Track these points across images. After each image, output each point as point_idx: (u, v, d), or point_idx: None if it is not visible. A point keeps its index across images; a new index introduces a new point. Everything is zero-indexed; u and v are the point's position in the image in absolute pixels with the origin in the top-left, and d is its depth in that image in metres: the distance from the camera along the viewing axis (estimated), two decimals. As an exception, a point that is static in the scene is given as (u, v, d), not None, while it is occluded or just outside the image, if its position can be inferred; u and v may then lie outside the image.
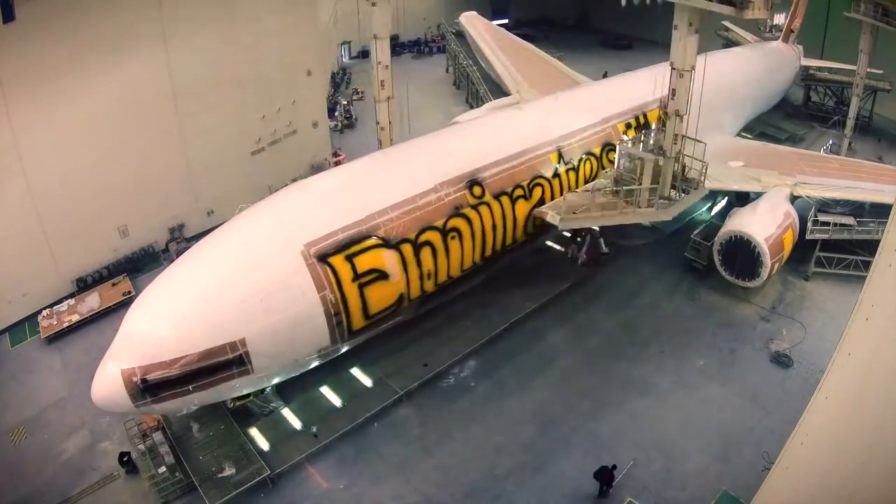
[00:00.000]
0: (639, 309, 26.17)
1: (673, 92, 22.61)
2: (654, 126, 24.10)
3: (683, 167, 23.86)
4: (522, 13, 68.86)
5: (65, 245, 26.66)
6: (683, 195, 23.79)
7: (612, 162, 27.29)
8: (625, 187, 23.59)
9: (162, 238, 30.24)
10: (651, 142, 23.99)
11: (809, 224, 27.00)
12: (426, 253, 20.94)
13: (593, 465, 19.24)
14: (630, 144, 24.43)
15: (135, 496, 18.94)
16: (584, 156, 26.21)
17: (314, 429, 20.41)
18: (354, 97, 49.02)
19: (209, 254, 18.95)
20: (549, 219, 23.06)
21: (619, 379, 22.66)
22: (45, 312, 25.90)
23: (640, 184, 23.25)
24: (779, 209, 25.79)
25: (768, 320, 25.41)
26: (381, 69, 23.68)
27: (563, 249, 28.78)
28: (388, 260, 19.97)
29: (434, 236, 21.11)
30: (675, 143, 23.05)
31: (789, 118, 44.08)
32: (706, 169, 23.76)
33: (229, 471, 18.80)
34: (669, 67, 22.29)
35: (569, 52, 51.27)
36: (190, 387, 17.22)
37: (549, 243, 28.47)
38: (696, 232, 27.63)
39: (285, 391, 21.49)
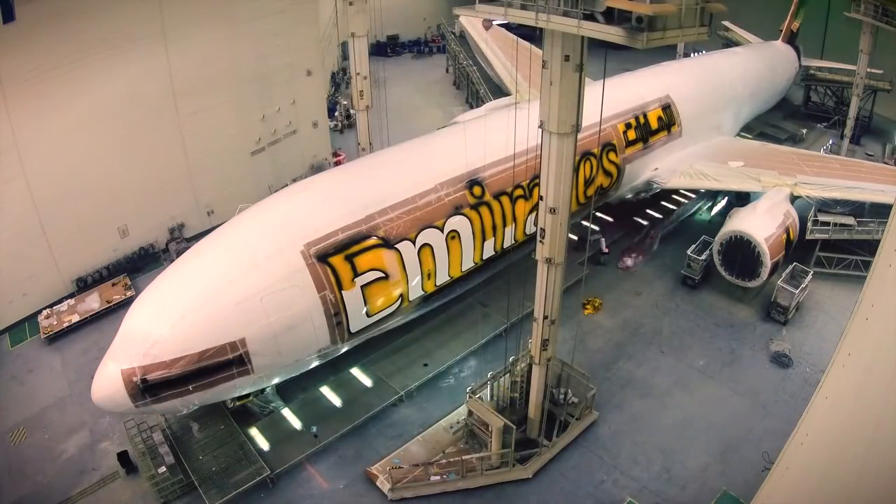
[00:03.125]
0: (639, 309, 26.16)
1: (542, 231, 16.23)
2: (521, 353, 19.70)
3: (565, 393, 19.94)
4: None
5: (65, 245, 26.67)
6: (559, 431, 19.65)
7: (612, 163, 27.36)
8: (465, 457, 18.83)
9: (162, 238, 30.23)
10: (517, 371, 19.50)
11: (809, 224, 27.00)
12: (426, 253, 20.92)
13: (593, 465, 19.31)
14: (488, 389, 19.78)
15: (135, 496, 18.94)
16: (584, 156, 26.17)
17: (314, 429, 20.41)
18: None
19: (209, 254, 18.94)
20: (378, 484, 18.73)
21: (619, 379, 22.66)
22: (45, 312, 25.90)
23: (490, 444, 18.86)
24: (779, 209, 25.79)
25: (768, 320, 25.39)
26: (360, 80, 23.41)
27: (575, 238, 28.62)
28: (387, 260, 19.95)
29: (434, 236, 21.09)
30: (546, 350, 17.82)
31: (789, 118, 44.07)
32: (594, 395, 19.92)
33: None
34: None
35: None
36: (190, 387, 17.22)
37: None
38: (691, 249, 27.25)
39: (285, 391, 21.49)
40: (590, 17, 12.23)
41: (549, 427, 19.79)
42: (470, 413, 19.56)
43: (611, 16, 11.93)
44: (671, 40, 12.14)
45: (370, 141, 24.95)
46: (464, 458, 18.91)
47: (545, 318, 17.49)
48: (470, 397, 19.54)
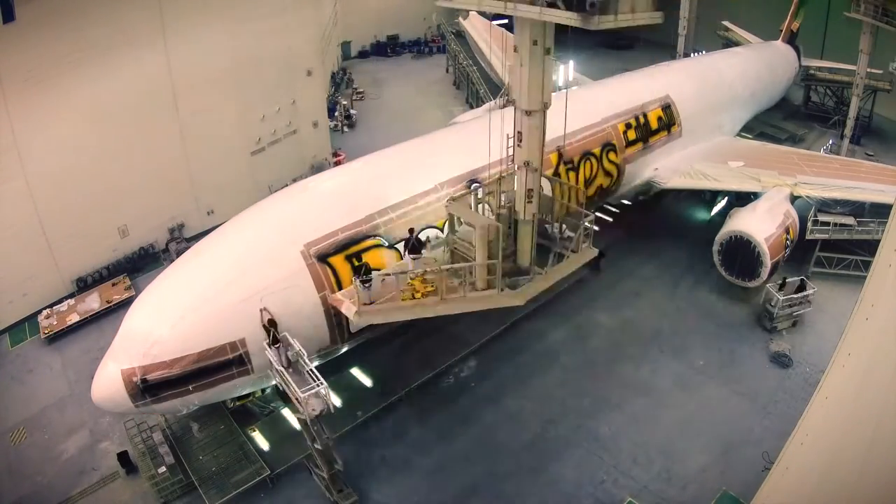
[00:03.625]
0: (639, 309, 26.17)
1: (519, 135, 16.17)
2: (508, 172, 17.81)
3: (561, 225, 18.37)
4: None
5: (65, 245, 26.68)
6: (556, 261, 17.79)
7: (612, 163, 27.36)
8: (450, 266, 17.08)
9: (162, 238, 30.23)
10: (503, 196, 17.78)
11: (809, 224, 26.99)
12: (426, 253, 20.88)
13: (593, 465, 19.32)
14: (471, 198, 17.88)
15: (135, 496, 18.95)
16: (583, 156, 26.18)
17: None
18: (355, 97, 49.03)
19: (209, 254, 18.95)
20: (343, 310, 17.43)
21: (619, 379, 22.67)
22: (45, 312, 25.91)
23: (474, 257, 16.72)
24: (779, 209, 25.78)
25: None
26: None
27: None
28: (388, 260, 19.94)
29: (434, 236, 21.05)
30: (530, 201, 16.65)
31: (789, 118, 44.06)
32: (590, 230, 18.04)
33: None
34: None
35: (568, 51, 51.19)
36: (190, 387, 17.23)
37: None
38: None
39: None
40: (552, 5, 13.55)
41: (540, 261, 17.55)
42: (451, 227, 17.24)
43: (570, 3, 13.23)
44: (623, 23, 13.15)
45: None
46: (443, 267, 16.19)
47: (527, 164, 16.14)
48: (450, 201, 17.47)
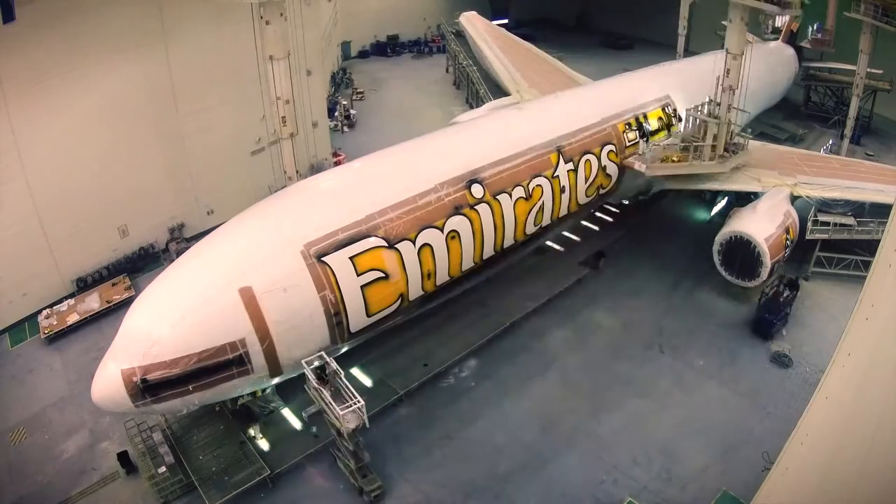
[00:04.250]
0: (639, 309, 26.17)
1: (727, 71, 26.03)
2: (708, 98, 27.17)
3: (731, 133, 27.44)
4: (522, 13, 68.87)
5: (65, 245, 26.67)
6: (732, 154, 27.19)
7: (612, 163, 27.37)
8: (693, 143, 26.96)
9: (162, 238, 30.23)
10: (706, 111, 27.25)
11: (809, 224, 26.99)
12: (426, 253, 20.92)
13: (593, 465, 19.31)
14: (696, 111, 27.63)
15: (134, 496, 18.94)
16: (583, 156, 26.19)
17: (314, 429, 20.40)
18: (355, 97, 49.05)
19: (209, 254, 18.93)
20: (636, 167, 26.62)
21: (619, 379, 22.67)
22: (45, 312, 25.90)
23: (704, 142, 26.69)
24: (779, 209, 25.78)
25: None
26: (282, 104, 21.39)
27: (562, 249, 28.82)
28: (388, 260, 19.95)
29: (434, 236, 21.09)
30: (728, 112, 26.50)
31: (789, 118, 44.06)
32: (748, 139, 27.92)
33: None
34: (669, 68, 22.43)
35: (569, 52, 51.28)
36: (190, 387, 17.21)
37: (549, 243, 28.44)
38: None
39: (285, 391, 21.47)
40: None
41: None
42: (686, 125, 28.94)
43: None
44: (797, 12, 22.39)
45: (297, 170, 22.93)
46: (694, 144, 27.39)
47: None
48: (688, 112, 28.77)
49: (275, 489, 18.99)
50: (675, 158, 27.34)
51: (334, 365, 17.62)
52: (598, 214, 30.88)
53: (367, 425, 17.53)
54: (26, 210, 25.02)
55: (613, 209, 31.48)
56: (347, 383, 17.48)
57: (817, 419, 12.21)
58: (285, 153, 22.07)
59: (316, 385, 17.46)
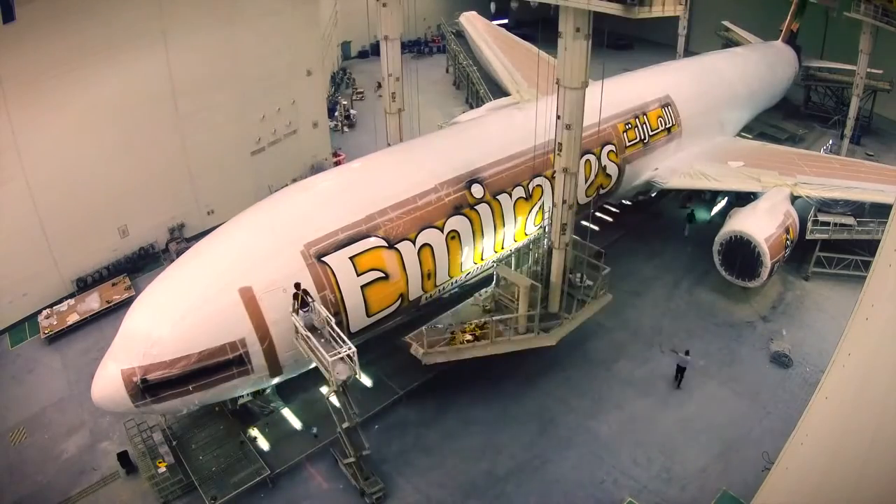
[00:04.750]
0: (639, 309, 26.17)
1: (559, 144, 19.01)
2: (543, 220, 22.45)
3: (581, 275, 21.74)
4: (522, 13, 68.86)
5: (65, 245, 26.66)
6: (577, 308, 21.36)
7: (612, 163, 27.35)
8: (496, 317, 20.60)
9: (162, 238, 30.23)
10: (539, 246, 21.91)
11: (809, 224, 27.00)
12: (426, 253, 20.92)
13: (593, 465, 19.27)
14: (512, 259, 22.18)
15: (134, 496, 18.94)
16: (584, 155, 26.17)
17: (314, 429, 20.41)
18: (354, 97, 49.03)
19: (209, 254, 18.95)
20: (412, 351, 20.28)
21: (619, 379, 22.67)
22: (45, 312, 25.90)
23: (517, 310, 20.37)
24: (779, 209, 25.79)
25: (768, 320, 25.42)
26: (392, 81, 23.03)
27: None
28: (388, 260, 19.96)
29: (434, 236, 21.09)
30: (564, 233, 20.00)
31: (789, 118, 44.07)
32: (604, 274, 21.48)
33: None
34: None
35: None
36: (190, 387, 17.22)
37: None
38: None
39: (285, 391, 21.48)
40: None
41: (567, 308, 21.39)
42: (497, 283, 21.18)
43: None
44: (656, 14, 15.67)
45: (402, 139, 24.39)
46: (494, 318, 20.30)
47: (564, 202, 19.24)
48: (496, 265, 21.62)
49: (275, 489, 18.99)
50: (467, 338, 20.38)
51: (324, 312, 16.91)
52: (598, 214, 30.86)
53: (360, 375, 16.94)
54: (26, 210, 25.01)
55: (613, 209, 31.48)
56: (339, 330, 16.62)
57: (817, 419, 12.21)
58: (392, 127, 23.92)
59: (305, 334, 16.55)
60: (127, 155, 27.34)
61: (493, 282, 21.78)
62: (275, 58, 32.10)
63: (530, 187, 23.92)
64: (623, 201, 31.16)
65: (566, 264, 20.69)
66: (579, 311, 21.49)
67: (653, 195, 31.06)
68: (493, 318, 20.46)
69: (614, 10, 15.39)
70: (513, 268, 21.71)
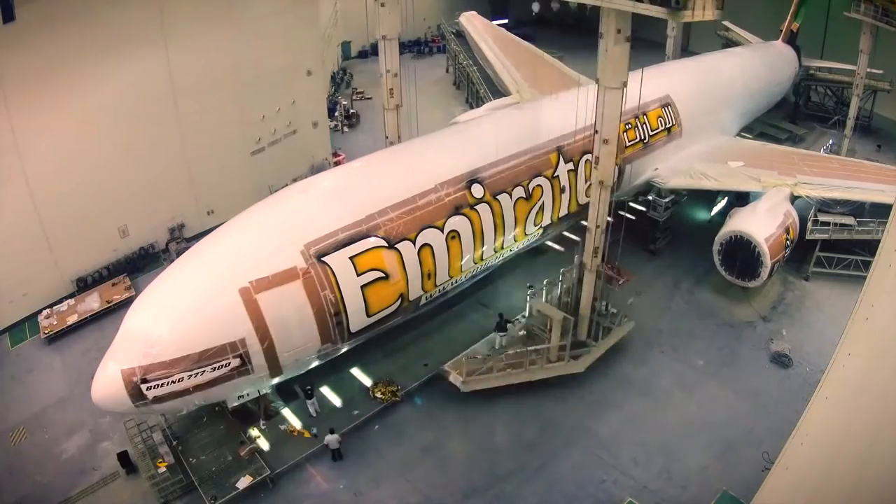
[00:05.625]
0: (639, 309, 26.11)
1: (596, 159, 20.16)
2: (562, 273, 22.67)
3: (606, 304, 22.79)
4: (522, 13, 68.82)
5: (65, 245, 26.66)
6: (604, 336, 22.53)
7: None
8: (530, 348, 21.54)
9: (162, 238, 30.23)
10: (569, 278, 22.43)
11: (809, 224, 26.99)
12: (426, 253, 20.93)
13: (593, 465, 19.27)
14: (544, 293, 22.77)
15: (134, 496, 18.94)
16: (584, 156, 26.18)
17: (314, 429, 20.41)
18: (354, 97, 49.03)
19: (209, 253, 18.94)
20: (451, 379, 21.19)
21: (619, 379, 22.66)
22: (45, 312, 25.90)
23: (549, 340, 21.48)
24: (779, 209, 25.78)
25: (768, 320, 25.42)
26: (391, 77, 23.26)
27: (562, 249, 28.76)
28: (388, 260, 19.96)
29: (434, 236, 21.09)
30: (597, 257, 20.78)
31: (789, 118, 44.06)
32: (631, 303, 23.42)
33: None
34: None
35: (569, 52, 51.22)
36: (190, 387, 17.21)
37: (548, 243, 28.44)
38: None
39: (285, 391, 21.48)
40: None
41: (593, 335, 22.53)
42: (530, 314, 22.69)
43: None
44: (697, 18, 15.88)
45: (399, 135, 24.52)
46: (528, 348, 21.44)
47: (597, 227, 20.25)
48: (531, 297, 22.83)
49: (275, 489, 18.99)
50: (501, 366, 21.35)
51: None
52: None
53: None
54: (26, 210, 25.00)
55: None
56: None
57: (817, 419, 12.21)
58: (390, 122, 24.01)
59: None
60: (127, 155, 27.33)
61: (527, 312, 23.52)
62: (275, 58, 32.08)
63: (530, 187, 23.93)
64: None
65: (596, 291, 21.75)
66: (605, 337, 22.64)
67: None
68: (529, 348, 21.56)
69: (659, 13, 15.58)
70: (544, 299, 22.72)
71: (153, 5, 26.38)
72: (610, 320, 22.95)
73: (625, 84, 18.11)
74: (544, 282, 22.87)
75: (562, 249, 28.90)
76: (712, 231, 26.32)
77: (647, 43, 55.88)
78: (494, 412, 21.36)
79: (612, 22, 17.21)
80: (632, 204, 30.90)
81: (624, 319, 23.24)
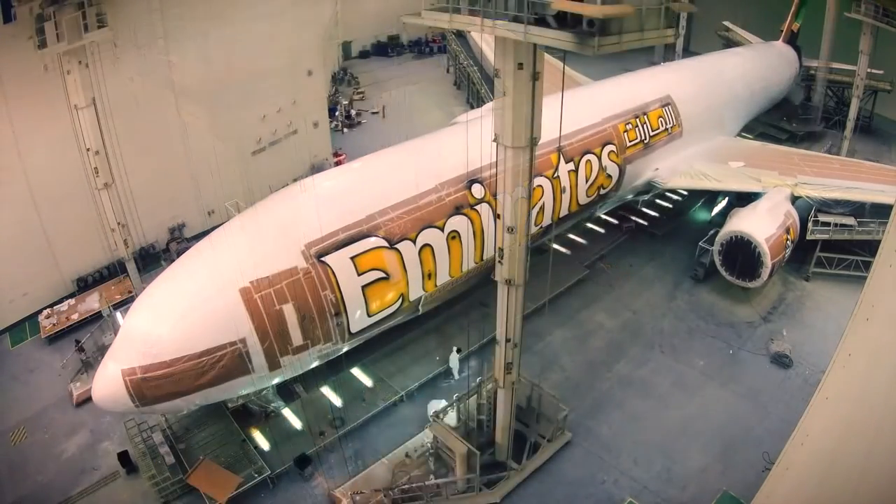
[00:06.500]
0: (639, 309, 26.17)
1: (500, 252, 15.64)
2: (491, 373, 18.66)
3: (537, 415, 19.24)
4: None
5: (65, 245, 26.67)
6: (529, 453, 19.09)
7: (613, 163, 27.33)
8: (437, 481, 18.12)
9: (162, 238, 30.24)
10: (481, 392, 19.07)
11: (810, 224, 26.98)
12: (427, 253, 20.92)
13: (593, 465, 19.23)
14: (447, 412, 19.18)
15: (135, 496, 18.95)
16: (584, 156, 26.19)
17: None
18: (355, 97, 49.05)
19: (210, 253, 18.93)
20: None
21: (619, 379, 22.66)
22: (45, 312, 25.91)
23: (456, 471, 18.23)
24: (779, 209, 25.79)
25: (769, 320, 25.41)
26: (92, 156, 20.01)
27: (563, 249, 28.76)
28: (388, 260, 19.95)
29: (435, 236, 21.09)
30: (510, 373, 17.12)
31: (789, 118, 44.03)
32: (565, 417, 19.39)
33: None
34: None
35: (569, 52, 51.26)
36: (190, 387, 17.20)
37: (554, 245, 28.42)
38: (703, 240, 27.40)
39: (285, 391, 21.48)
40: (541, 22, 11.15)
41: (518, 449, 19.09)
42: (435, 437, 18.75)
43: (563, 20, 10.70)
44: (630, 45, 10.98)
45: (119, 222, 22.45)
46: (426, 483, 17.94)
47: (507, 340, 16.76)
48: (433, 421, 18.92)
49: (275, 489, 18.98)
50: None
51: None
52: (603, 216, 30.87)
53: None
54: (26, 210, 25.01)
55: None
56: None
57: (818, 419, 12.21)
58: (105, 205, 21.04)
59: None
60: (127, 155, 27.27)
61: (430, 434, 19.14)
62: (275, 58, 32.10)
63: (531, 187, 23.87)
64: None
65: (513, 406, 17.97)
66: (531, 458, 19.13)
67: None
68: (429, 482, 18.06)
69: (561, 42, 11.03)
70: (455, 417, 19.21)
71: (153, 5, 26.37)
72: (540, 433, 19.46)
73: (535, 141, 14.01)
74: (454, 397, 19.82)
75: (563, 249, 28.92)
76: (712, 231, 26.34)
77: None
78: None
79: (511, 55, 12.77)
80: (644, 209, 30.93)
81: (558, 433, 19.76)
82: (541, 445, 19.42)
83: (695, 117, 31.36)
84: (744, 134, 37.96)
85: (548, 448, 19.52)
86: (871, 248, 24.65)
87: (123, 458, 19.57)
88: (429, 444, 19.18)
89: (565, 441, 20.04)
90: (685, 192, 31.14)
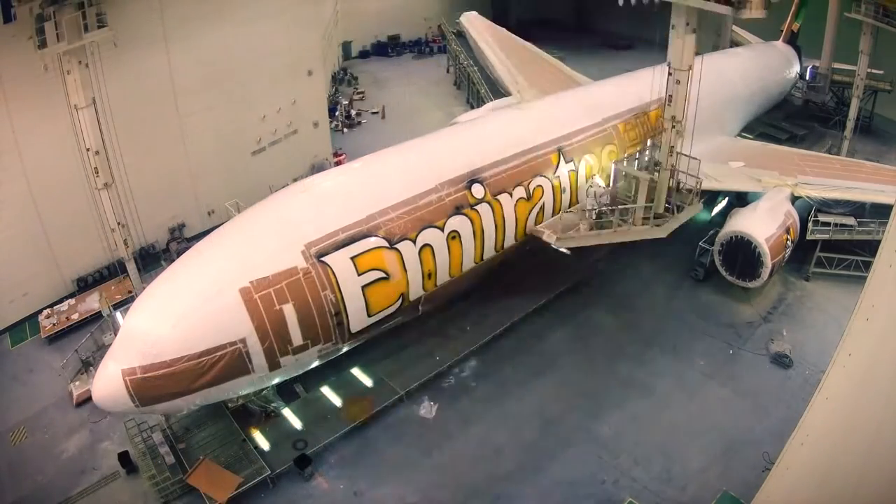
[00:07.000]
0: (639, 309, 26.16)
1: (669, 97, 22.78)
2: (649, 142, 24.90)
3: (678, 183, 24.17)
4: (522, 13, 68.85)
5: (65, 245, 26.65)
6: (678, 212, 24.05)
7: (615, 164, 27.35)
8: (619, 206, 23.56)
9: (162, 238, 30.23)
10: (646, 158, 24.53)
11: (810, 224, 26.97)
12: (427, 253, 20.93)
13: (593, 465, 19.26)
14: (625, 163, 24.68)
15: (135, 496, 18.95)
16: (584, 156, 26.20)
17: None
18: (355, 97, 49.06)
19: (210, 253, 18.95)
20: (545, 238, 23.41)
21: (619, 379, 22.66)
22: (45, 312, 25.90)
23: (636, 202, 23.44)
24: (779, 209, 25.79)
25: (769, 320, 25.41)
26: (92, 156, 20.30)
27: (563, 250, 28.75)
28: (388, 260, 19.96)
29: (435, 236, 21.10)
30: (671, 155, 23.31)
31: (789, 118, 44.03)
32: (700, 185, 24.18)
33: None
34: (666, 69, 22.08)
35: (569, 52, 51.25)
36: (190, 387, 17.20)
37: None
38: (703, 240, 27.41)
39: (285, 391, 21.49)
40: None
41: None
42: (615, 180, 24.27)
43: None
44: (753, 15, 20.25)
45: (119, 222, 22.18)
46: (618, 207, 23.26)
47: (673, 118, 22.58)
48: (616, 166, 24.31)
49: (275, 489, 18.98)
50: (587, 226, 23.63)
51: None
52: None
53: None
54: (26, 210, 25.01)
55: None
56: None
57: (818, 419, 12.21)
58: (105, 205, 21.19)
59: None
60: (127, 155, 27.28)
61: (612, 180, 24.73)
62: (275, 58, 32.11)
63: (531, 187, 23.93)
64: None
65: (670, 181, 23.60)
66: (680, 212, 23.96)
67: None
68: (617, 207, 23.36)
69: (723, 10, 19.80)
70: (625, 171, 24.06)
71: (153, 5, 26.37)
72: (681, 199, 24.21)
73: (691, 67, 21.64)
74: (625, 153, 25.14)
75: (567, 252, 28.87)
76: (712, 231, 26.32)
77: (648, 44, 56.17)
78: (495, 412, 21.35)
79: (683, 16, 20.69)
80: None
81: (695, 199, 24.36)
82: (682, 208, 24.01)
83: (695, 117, 31.27)
84: (744, 134, 37.94)
85: (691, 208, 24.23)
86: (871, 248, 24.63)
87: (123, 458, 19.57)
88: (606, 190, 24.68)
89: (699, 209, 25.23)
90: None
